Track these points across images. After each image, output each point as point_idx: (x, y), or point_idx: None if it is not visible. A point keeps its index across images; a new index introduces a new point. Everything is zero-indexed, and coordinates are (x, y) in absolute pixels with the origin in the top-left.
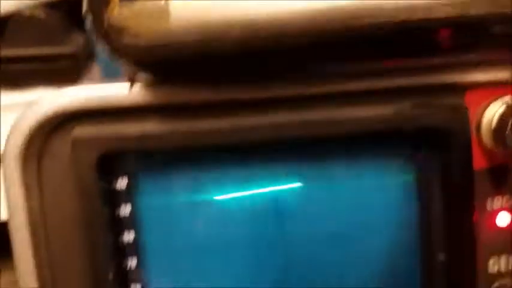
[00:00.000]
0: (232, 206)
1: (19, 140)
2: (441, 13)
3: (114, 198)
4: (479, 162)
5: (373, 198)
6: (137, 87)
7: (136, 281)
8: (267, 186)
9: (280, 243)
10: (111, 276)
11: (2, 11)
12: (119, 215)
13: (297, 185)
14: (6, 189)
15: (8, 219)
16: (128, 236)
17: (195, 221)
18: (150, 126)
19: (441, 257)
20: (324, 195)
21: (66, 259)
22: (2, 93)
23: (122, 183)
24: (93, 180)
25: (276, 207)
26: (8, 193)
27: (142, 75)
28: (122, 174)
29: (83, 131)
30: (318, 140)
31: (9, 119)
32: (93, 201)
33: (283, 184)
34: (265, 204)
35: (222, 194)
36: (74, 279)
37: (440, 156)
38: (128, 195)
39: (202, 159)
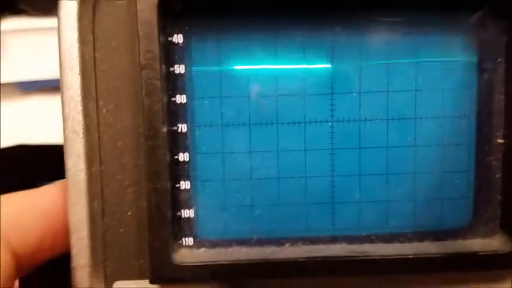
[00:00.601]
0: (284, 77)
1: None
2: None
3: (169, 54)
4: None
5: (431, 79)
6: None
7: (185, 148)
8: (322, 60)
9: (330, 122)
10: (162, 136)
11: None
12: (174, 72)
13: (352, 61)
14: (60, 35)
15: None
16: (180, 99)
17: (246, 90)
18: None
19: (500, 140)
20: (380, 74)
21: (115, 116)
22: (31, 18)
23: (178, 38)
24: (153, 23)
25: (330, 83)
26: (62, 39)
27: None
28: (178, 32)
29: None
30: (379, 10)
31: (37, 43)
32: (151, 47)
33: (338, 59)
34: (319, 79)
35: (275, 64)
36: (123, 138)
37: (507, 30)
38: (182, 55)
39: (256, 26)
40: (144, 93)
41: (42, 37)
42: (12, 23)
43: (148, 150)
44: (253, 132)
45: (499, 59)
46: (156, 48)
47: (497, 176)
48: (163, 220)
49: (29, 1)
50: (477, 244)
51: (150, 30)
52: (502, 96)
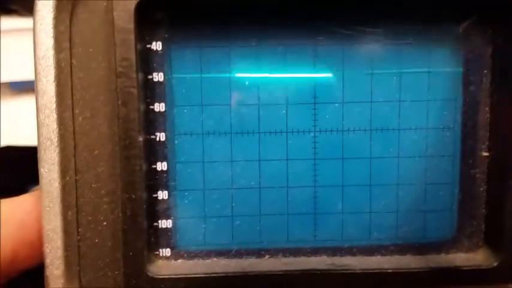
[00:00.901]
0: (265, 86)
1: None
2: None
3: (148, 61)
4: None
5: (415, 90)
6: None
7: (163, 157)
8: (305, 69)
9: (313, 132)
10: (138, 145)
11: None
12: (152, 80)
13: (335, 71)
14: (35, 41)
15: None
16: (159, 107)
17: (227, 99)
18: None
19: (484, 153)
20: (363, 84)
21: (91, 124)
22: (22, 18)
23: (157, 45)
24: (130, 31)
25: (313, 92)
26: (37, 45)
27: None
28: (157, 39)
29: None
30: (363, 19)
31: (29, 43)
32: (128, 55)
33: (321, 69)
34: (301, 88)
35: (257, 72)
36: (99, 146)
37: (493, 41)
38: (161, 62)
39: (238, 35)
40: (120, 102)
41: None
42: (3, 23)
43: (124, 159)
44: (235, 141)
45: (485, 71)
46: (132, 56)
47: (481, 189)
48: (139, 231)
49: (20, 1)
50: (460, 258)
51: (126, 37)
52: (487, 108)
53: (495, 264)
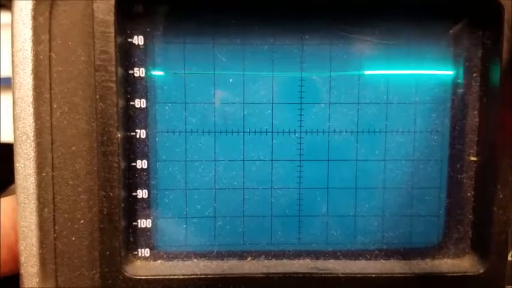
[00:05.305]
0: (251, 85)
1: None
2: None
3: (129, 56)
4: None
5: (403, 92)
6: None
7: (143, 155)
8: (291, 69)
9: (299, 132)
10: (116, 142)
11: None
12: (133, 75)
13: (322, 71)
14: (13, 33)
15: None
16: (140, 104)
17: (211, 96)
18: None
19: (472, 158)
20: (350, 85)
21: (69, 119)
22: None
23: (138, 40)
24: (110, 23)
25: (299, 92)
26: (15, 37)
27: None
28: (139, 33)
29: None
30: (352, 18)
31: None
32: (107, 48)
33: (307, 68)
34: (287, 88)
35: (242, 70)
36: (77, 142)
37: (483, 44)
38: (143, 57)
39: (224, 31)
40: (97, 96)
41: None
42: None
43: (101, 156)
44: (218, 140)
45: (474, 74)
46: (111, 49)
47: (469, 194)
48: (115, 230)
49: None
50: (446, 265)
51: (106, 30)
52: (476, 112)
53: (481, 271)
